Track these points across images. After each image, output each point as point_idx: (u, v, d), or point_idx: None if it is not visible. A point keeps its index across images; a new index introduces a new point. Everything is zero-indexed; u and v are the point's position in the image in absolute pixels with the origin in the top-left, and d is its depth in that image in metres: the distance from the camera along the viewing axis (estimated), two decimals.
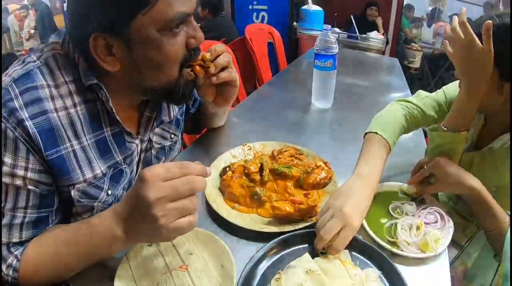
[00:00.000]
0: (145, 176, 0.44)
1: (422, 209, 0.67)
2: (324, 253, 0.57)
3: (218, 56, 0.67)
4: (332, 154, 0.83)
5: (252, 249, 0.58)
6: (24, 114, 0.51)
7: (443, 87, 0.87)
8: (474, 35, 0.59)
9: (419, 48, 3.72)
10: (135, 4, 0.50)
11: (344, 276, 0.51)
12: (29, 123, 0.51)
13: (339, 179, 0.74)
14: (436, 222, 0.65)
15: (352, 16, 2.95)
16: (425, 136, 0.97)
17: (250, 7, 3.43)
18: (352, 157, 0.73)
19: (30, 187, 0.53)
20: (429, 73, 3.82)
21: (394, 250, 0.59)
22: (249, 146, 0.85)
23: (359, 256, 0.57)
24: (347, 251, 0.57)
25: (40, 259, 0.52)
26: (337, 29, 2.95)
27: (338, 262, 0.54)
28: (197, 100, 0.92)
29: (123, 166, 0.65)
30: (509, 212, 0.65)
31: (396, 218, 0.66)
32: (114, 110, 0.59)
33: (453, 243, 0.75)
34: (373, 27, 3.32)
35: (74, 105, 0.56)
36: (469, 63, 0.62)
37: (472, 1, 3.59)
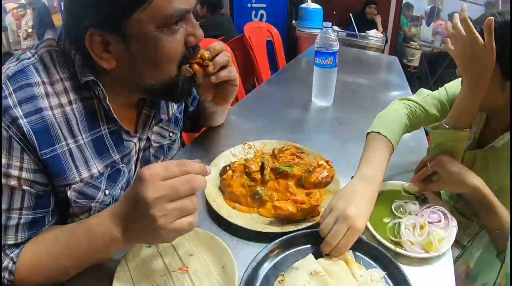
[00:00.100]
0: (144, 175, 0.43)
1: (426, 208, 0.66)
2: (327, 254, 0.56)
3: (217, 54, 0.66)
4: (333, 152, 0.82)
5: (254, 250, 0.57)
6: (18, 112, 0.49)
7: (445, 85, 0.87)
8: (476, 32, 0.58)
9: (418, 46, 3.72)
10: None
11: (348, 278, 0.50)
12: (23, 122, 0.50)
13: (340, 178, 0.73)
14: (440, 221, 0.64)
15: (351, 15, 2.94)
16: (426, 134, 0.97)
17: (249, 5, 3.42)
18: (354, 155, 0.72)
19: (25, 187, 0.52)
20: (428, 71, 3.82)
21: (398, 250, 0.58)
22: (249, 145, 0.84)
23: (363, 256, 0.56)
24: (350, 251, 0.56)
25: (37, 261, 0.51)
26: (336, 28, 2.94)
27: (343, 263, 0.53)
28: (196, 98, 0.90)
29: (121, 165, 0.63)
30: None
31: (399, 218, 0.65)
32: (111, 108, 0.58)
33: (455, 242, 0.74)
34: (372, 25, 3.32)
35: (70, 103, 0.55)
36: (471, 61, 0.62)
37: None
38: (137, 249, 0.56)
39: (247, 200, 0.67)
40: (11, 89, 0.50)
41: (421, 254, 0.58)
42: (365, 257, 0.56)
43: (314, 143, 0.88)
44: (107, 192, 0.60)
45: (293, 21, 3.30)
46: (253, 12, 3.42)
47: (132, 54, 0.52)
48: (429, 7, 4.00)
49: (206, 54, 0.64)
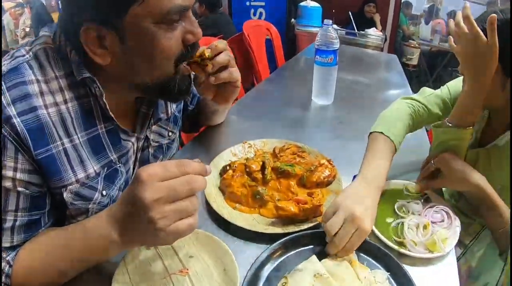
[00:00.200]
0: (141, 176, 0.41)
1: (429, 207, 0.66)
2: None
3: (218, 54, 0.64)
4: (334, 151, 0.81)
5: (255, 251, 0.56)
6: (11, 111, 0.48)
7: (447, 84, 0.87)
8: (479, 29, 0.58)
9: (417, 45, 3.72)
10: None
11: (353, 279, 0.50)
12: (17, 121, 0.48)
13: (342, 177, 0.72)
14: (443, 220, 0.64)
15: (350, 13, 2.94)
16: (426, 132, 0.96)
17: (248, 3, 3.40)
18: (355, 154, 0.71)
19: (19, 188, 0.50)
20: (427, 70, 3.82)
21: (402, 250, 0.57)
22: (249, 144, 0.83)
23: (366, 257, 0.56)
24: (354, 252, 0.55)
25: (33, 264, 0.50)
26: (335, 26, 2.93)
27: (347, 264, 0.52)
28: (196, 97, 0.89)
29: (118, 165, 0.62)
30: None
31: (402, 217, 0.64)
32: (107, 106, 0.56)
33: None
34: (371, 24, 3.32)
35: (65, 101, 0.54)
36: (474, 58, 0.61)
37: None
38: (136, 251, 0.55)
39: (248, 200, 0.66)
40: (4, 87, 0.49)
41: (425, 254, 0.57)
42: (369, 258, 0.56)
43: (315, 141, 0.87)
44: (104, 192, 0.59)
45: (292, 20, 3.29)
46: (252, 11, 3.41)
47: (128, 50, 0.51)
48: (428, 5, 4.00)
49: (207, 52, 0.62)
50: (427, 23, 3.98)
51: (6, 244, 0.51)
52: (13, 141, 0.48)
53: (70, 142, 0.54)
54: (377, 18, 3.46)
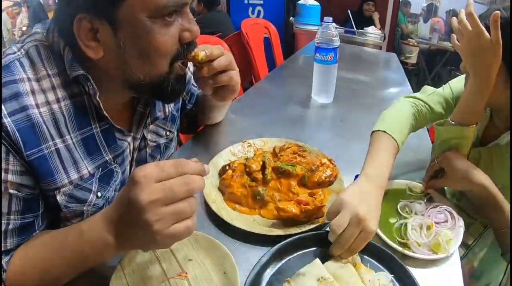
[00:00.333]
0: (137, 177, 0.40)
1: (432, 207, 0.65)
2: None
3: (213, 59, 0.62)
4: (335, 151, 0.80)
5: (256, 254, 0.55)
6: (2, 110, 0.47)
7: (449, 82, 0.86)
8: (482, 26, 0.58)
9: (415, 43, 3.72)
10: None
11: (357, 283, 0.48)
12: (7, 120, 0.47)
13: (343, 177, 0.71)
14: (446, 221, 0.63)
15: (349, 11, 2.93)
16: (427, 130, 0.95)
17: (246, 1, 3.39)
18: (356, 153, 0.70)
19: (11, 191, 0.49)
20: (426, 68, 3.82)
21: (406, 252, 0.57)
22: (249, 143, 0.82)
23: (369, 258, 0.55)
24: (357, 253, 0.54)
25: (28, 269, 0.49)
26: (334, 24, 2.92)
27: (351, 267, 0.51)
28: (194, 95, 0.88)
29: (114, 166, 0.61)
30: None
31: (405, 218, 0.64)
32: (101, 105, 0.55)
33: None
34: (370, 22, 3.31)
35: (58, 100, 0.52)
36: (477, 55, 0.61)
37: None
38: (133, 254, 0.53)
39: (248, 201, 0.65)
40: None
41: (429, 255, 0.57)
42: (372, 260, 0.55)
43: (315, 140, 0.86)
44: (99, 194, 0.58)
45: (291, 18, 3.28)
46: (250, 9, 3.39)
47: (121, 44, 0.50)
48: (426, 4, 4.00)
49: (201, 55, 0.60)
50: (425, 21, 3.98)
51: None
52: (3, 142, 0.47)
53: (63, 142, 0.53)
54: (375, 16, 3.45)
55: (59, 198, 0.53)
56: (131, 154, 0.66)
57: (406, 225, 0.61)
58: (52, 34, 0.53)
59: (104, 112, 0.56)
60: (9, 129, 0.47)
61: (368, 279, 0.49)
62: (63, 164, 0.53)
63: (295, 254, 0.54)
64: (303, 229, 0.58)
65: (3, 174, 0.47)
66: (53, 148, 0.52)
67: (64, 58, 0.52)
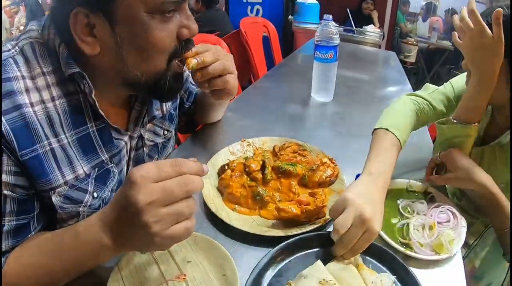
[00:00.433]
0: (134, 177, 0.39)
1: (434, 207, 0.65)
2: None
3: (206, 66, 0.61)
4: (336, 150, 0.79)
5: (256, 255, 0.54)
6: (1, 110, 0.46)
7: (450, 81, 0.86)
8: (484, 24, 0.57)
9: (414, 42, 3.72)
10: None
11: (360, 285, 0.47)
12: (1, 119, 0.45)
13: (344, 176, 0.71)
14: (449, 221, 0.63)
15: (348, 10, 2.92)
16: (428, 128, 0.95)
17: (245, 0, 3.36)
18: (357, 152, 0.69)
19: (6, 192, 0.48)
20: (425, 67, 3.82)
21: (408, 252, 0.56)
22: (248, 142, 0.81)
23: (371, 260, 0.54)
24: (359, 254, 0.53)
25: (23, 272, 0.47)
26: (333, 23, 2.91)
27: (353, 268, 0.50)
28: (192, 93, 0.87)
29: (110, 165, 0.59)
30: None
31: (407, 218, 0.63)
32: (96, 104, 0.54)
33: None
34: (369, 21, 3.31)
35: (53, 99, 0.51)
36: (479, 53, 0.60)
37: None
38: (130, 256, 0.52)
39: (247, 201, 0.64)
40: None
41: (431, 256, 0.56)
42: (374, 260, 0.54)
43: (315, 139, 0.85)
44: (95, 194, 0.57)
45: (290, 16, 3.27)
46: (249, 7, 3.38)
47: (118, 39, 0.49)
48: (425, 3, 4.00)
49: (192, 63, 0.58)
50: (424, 20, 3.98)
51: None
52: None
53: (58, 142, 0.52)
54: (374, 15, 3.45)
55: (54, 198, 0.52)
56: (128, 154, 0.65)
57: (408, 225, 0.60)
58: (48, 31, 0.52)
59: (100, 111, 0.55)
60: (3, 129, 0.46)
61: (371, 280, 0.48)
62: (58, 164, 0.52)
63: (296, 256, 0.53)
64: (304, 230, 0.57)
65: None
66: (48, 148, 0.50)
67: (59, 55, 0.51)
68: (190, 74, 0.84)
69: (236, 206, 0.64)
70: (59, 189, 0.52)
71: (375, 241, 0.55)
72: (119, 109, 0.62)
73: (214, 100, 0.77)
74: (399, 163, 0.67)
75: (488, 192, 0.62)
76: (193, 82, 0.87)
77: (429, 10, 3.95)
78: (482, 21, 0.58)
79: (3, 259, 0.48)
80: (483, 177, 0.63)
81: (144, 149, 0.68)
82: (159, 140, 0.72)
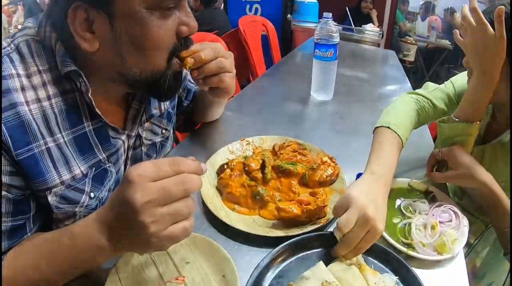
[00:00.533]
0: (131, 176, 0.38)
1: (436, 206, 0.64)
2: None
3: (204, 63, 0.60)
4: (336, 149, 0.79)
5: (256, 256, 0.53)
6: (1, 107, 0.45)
7: (451, 79, 0.86)
8: (486, 21, 0.57)
9: (413, 41, 3.72)
10: None
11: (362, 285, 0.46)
12: None
13: (345, 175, 0.70)
14: (451, 220, 0.62)
15: (347, 9, 2.91)
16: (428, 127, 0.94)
17: None
18: (357, 151, 0.69)
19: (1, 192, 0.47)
20: (424, 67, 3.83)
21: (411, 252, 0.55)
22: (247, 141, 0.80)
23: (373, 260, 0.53)
24: (360, 255, 0.52)
25: (18, 274, 0.46)
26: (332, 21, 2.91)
27: (356, 269, 0.49)
28: (191, 92, 0.86)
29: (107, 165, 0.58)
30: None
31: (409, 217, 0.62)
32: (93, 102, 0.53)
33: None
34: (368, 19, 3.31)
35: (49, 97, 0.50)
36: (481, 50, 0.60)
37: None
38: (128, 257, 0.51)
39: (247, 201, 0.63)
40: None
41: (434, 256, 0.55)
42: (376, 261, 0.53)
43: (315, 138, 0.85)
44: (92, 194, 0.56)
45: (288, 15, 3.26)
46: (247, 6, 3.37)
47: (117, 36, 0.48)
48: (424, 2, 4.00)
49: (190, 61, 0.57)
50: (423, 19, 3.98)
51: None
52: None
53: (54, 141, 0.51)
54: (373, 14, 3.45)
55: (50, 198, 0.51)
56: (126, 153, 0.64)
57: (409, 224, 0.60)
58: (44, 28, 0.51)
59: (97, 109, 0.54)
60: None
61: (374, 281, 0.47)
62: (54, 164, 0.51)
63: (297, 256, 0.53)
64: (305, 230, 0.56)
65: None
66: (44, 147, 0.50)
67: (55, 53, 0.50)
68: (188, 73, 0.83)
69: (236, 205, 0.63)
70: (55, 189, 0.51)
71: (377, 241, 0.54)
72: (116, 108, 0.61)
73: (212, 98, 0.76)
74: (399, 161, 0.67)
75: (489, 190, 0.62)
76: (192, 81, 0.86)
77: (428, 9, 3.96)
78: (484, 19, 0.57)
79: None
80: (485, 175, 0.62)
81: (142, 148, 0.67)
82: (157, 139, 0.71)
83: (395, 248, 0.55)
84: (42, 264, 0.45)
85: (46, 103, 0.50)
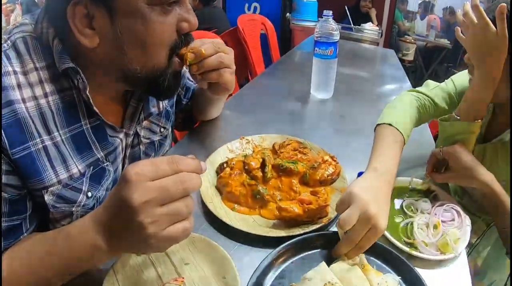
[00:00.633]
0: (129, 175, 0.37)
1: (438, 206, 0.64)
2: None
3: (204, 58, 0.59)
4: (336, 147, 0.78)
5: (257, 256, 0.52)
6: (1, 104, 0.44)
7: (452, 77, 0.85)
8: (488, 19, 0.57)
9: (412, 40, 3.73)
10: None
11: None
12: None
13: (346, 174, 0.69)
14: (453, 220, 0.62)
15: (346, 7, 2.91)
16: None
17: None
18: (358, 150, 0.68)
19: None
20: (423, 66, 3.83)
21: (413, 252, 0.55)
22: (247, 139, 0.79)
23: (376, 260, 0.52)
24: (363, 255, 0.51)
25: (15, 275, 0.45)
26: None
27: (358, 269, 0.48)
28: (190, 89, 0.85)
29: (105, 164, 0.58)
30: None
31: (411, 217, 0.62)
32: (91, 100, 0.52)
33: None
34: (367, 18, 3.30)
35: (45, 95, 0.49)
36: (483, 49, 0.60)
37: None
38: (126, 258, 0.50)
39: (247, 200, 0.62)
40: None
41: (437, 256, 0.55)
42: (378, 261, 0.52)
43: (315, 137, 0.84)
44: (89, 194, 0.55)
45: (287, 14, 3.25)
46: (246, 5, 3.37)
47: (118, 32, 0.47)
48: (423, 1, 4.00)
49: (190, 56, 0.57)
50: (422, 18, 3.99)
51: None
52: None
53: (51, 139, 0.50)
54: (373, 13, 3.45)
55: (47, 197, 0.50)
56: (124, 151, 0.63)
57: (412, 224, 0.59)
58: (41, 25, 0.50)
59: (95, 107, 0.53)
60: None
61: (377, 281, 0.46)
62: (51, 162, 0.50)
63: (298, 257, 0.52)
64: (307, 230, 0.55)
65: None
66: (40, 145, 0.49)
67: (53, 50, 0.49)
68: (187, 70, 0.82)
69: (236, 205, 0.62)
70: (52, 188, 0.50)
71: (379, 241, 0.53)
72: (114, 106, 0.60)
73: (211, 95, 0.75)
74: (401, 160, 0.66)
75: (490, 190, 0.62)
76: (191, 79, 0.85)
77: (427, 8, 3.96)
78: (486, 17, 0.57)
79: None
80: (486, 175, 0.62)
81: (140, 146, 0.66)
82: (156, 138, 0.70)
83: (397, 248, 0.55)
84: (38, 264, 0.44)
85: (43, 101, 0.49)
